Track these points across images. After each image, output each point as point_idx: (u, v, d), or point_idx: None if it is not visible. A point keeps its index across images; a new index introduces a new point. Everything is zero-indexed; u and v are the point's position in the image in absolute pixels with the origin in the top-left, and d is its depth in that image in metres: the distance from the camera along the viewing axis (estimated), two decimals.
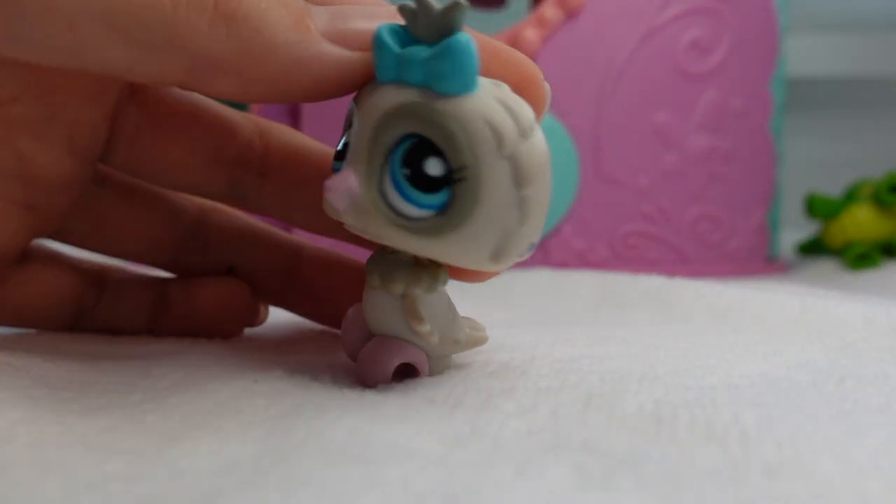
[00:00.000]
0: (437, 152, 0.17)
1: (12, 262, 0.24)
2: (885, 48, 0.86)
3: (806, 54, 0.82)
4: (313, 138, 0.25)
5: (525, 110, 0.17)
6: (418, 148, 0.17)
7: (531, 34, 0.49)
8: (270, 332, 0.28)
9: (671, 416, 0.17)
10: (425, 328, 0.19)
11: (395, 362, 0.20)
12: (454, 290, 0.20)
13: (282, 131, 0.25)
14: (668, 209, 0.52)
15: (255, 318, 0.27)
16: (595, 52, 0.50)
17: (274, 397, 0.18)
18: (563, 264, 0.50)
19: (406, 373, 0.20)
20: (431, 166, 0.17)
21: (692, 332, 0.30)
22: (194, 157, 0.24)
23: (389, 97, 0.18)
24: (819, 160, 0.85)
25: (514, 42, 0.49)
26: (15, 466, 0.14)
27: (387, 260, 0.19)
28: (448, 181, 0.17)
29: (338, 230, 0.24)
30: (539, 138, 0.18)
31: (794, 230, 0.71)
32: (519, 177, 0.17)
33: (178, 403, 0.18)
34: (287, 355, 0.24)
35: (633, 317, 0.34)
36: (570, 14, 0.50)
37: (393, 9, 0.19)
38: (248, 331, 0.27)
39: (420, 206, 0.17)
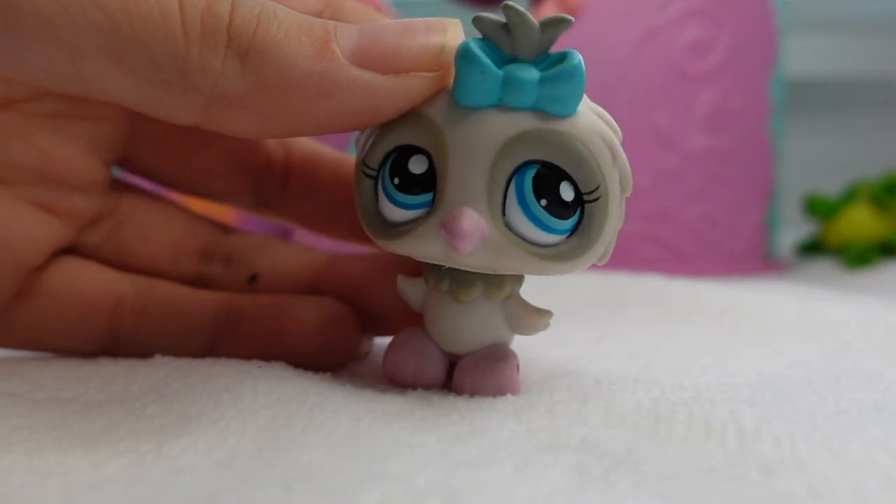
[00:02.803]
0: (565, 177, 0.17)
1: (33, 272, 0.22)
2: (885, 48, 0.86)
3: (805, 54, 0.82)
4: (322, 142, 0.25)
5: (608, 114, 0.18)
6: (546, 175, 0.17)
7: None
8: None
9: (669, 414, 0.17)
10: (550, 313, 0.19)
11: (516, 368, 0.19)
12: None
13: (298, 138, 0.24)
14: (668, 209, 0.52)
15: (357, 348, 0.23)
16: (595, 52, 0.50)
17: (277, 383, 0.18)
18: None
19: None
20: (565, 192, 0.17)
21: (690, 332, 0.31)
22: (221, 164, 0.23)
23: (502, 125, 0.17)
24: (818, 160, 0.85)
25: None
26: (15, 473, 0.14)
27: (456, 269, 0.19)
28: (579, 203, 0.17)
29: (355, 234, 0.23)
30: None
31: (793, 230, 0.71)
32: (624, 181, 0.18)
33: (179, 389, 0.18)
34: None
35: (632, 316, 0.34)
36: (570, 14, 0.50)
37: (433, 20, 0.17)
38: None
39: (556, 232, 0.17)
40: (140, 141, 0.23)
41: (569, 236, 0.18)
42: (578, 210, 0.17)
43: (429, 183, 0.17)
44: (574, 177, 0.17)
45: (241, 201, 0.24)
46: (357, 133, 0.19)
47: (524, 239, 0.17)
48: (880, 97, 0.88)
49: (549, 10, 0.50)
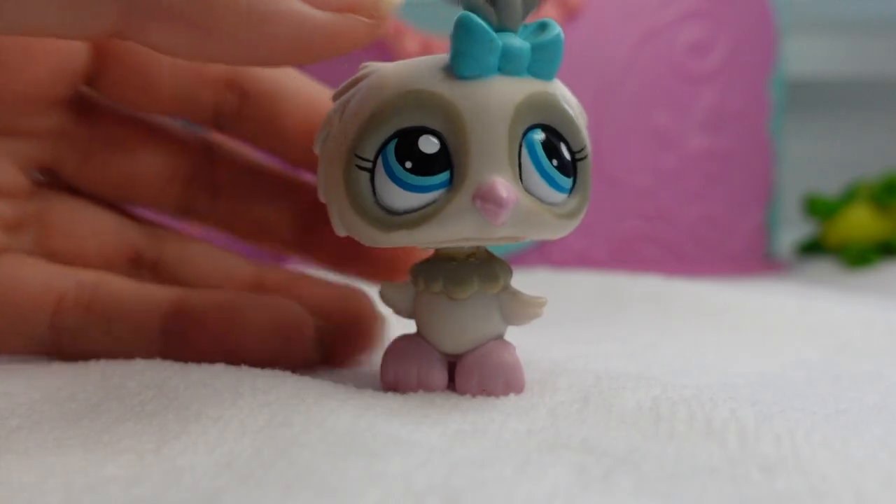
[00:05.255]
0: (561, 138, 0.18)
1: None
2: (885, 48, 0.86)
3: (805, 55, 0.82)
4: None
5: None
6: (549, 136, 0.18)
7: None
8: None
9: (670, 413, 0.17)
10: (544, 301, 0.19)
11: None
12: None
13: (230, 148, 0.24)
14: (668, 209, 0.52)
15: (313, 354, 0.22)
16: (594, 52, 0.50)
17: (276, 380, 0.18)
18: (562, 264, 0.50)
19: None
20: (565, 152, 0.18)
21: (690, 332, 0.31)
22: (146, 176, 0.23)
23: (510, 90, 0.17)
24: (818, 160, 0.85)
25: None
26: (16, 473, 0.14)
27: (448, 267, 0.19)
28: (573, 162, 0.18)
29: (287, 247, 0.24)
30: None
31: (793, 230, 0.71)
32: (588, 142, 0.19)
33: (178, 387, 0.18)
34: None
35: (631, 316, 0.34)
36: (570, 14, 0.50)
37: None
38: None
39: (564, 191, 0.18)
40: (63, 154, 0.23)
41: (569, 195, 0.18)
42: (573, 170, 0.18)
43: (443, 162, 0.17)
44: (567, 138, 0.18)
45: (168, 211, 0.24)
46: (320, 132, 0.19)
47: (542, 201, 0.18)
48: (880, 97, 0.88)
49: (548, 10, 0.50)
